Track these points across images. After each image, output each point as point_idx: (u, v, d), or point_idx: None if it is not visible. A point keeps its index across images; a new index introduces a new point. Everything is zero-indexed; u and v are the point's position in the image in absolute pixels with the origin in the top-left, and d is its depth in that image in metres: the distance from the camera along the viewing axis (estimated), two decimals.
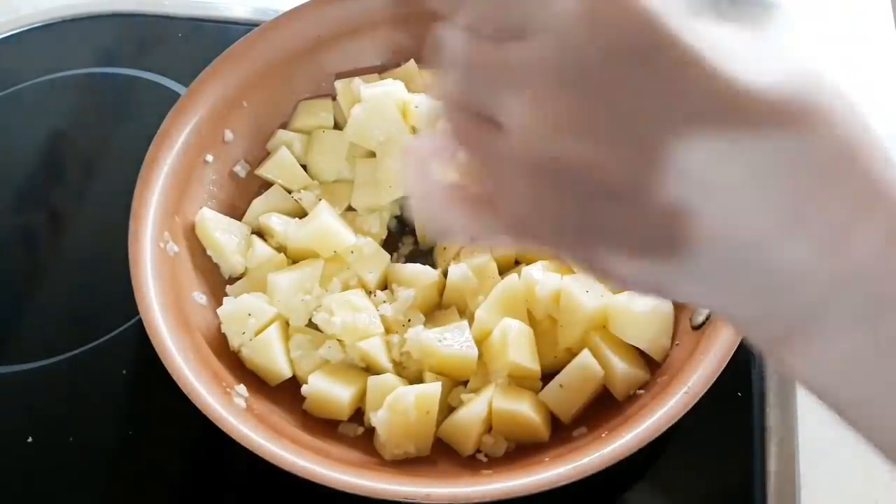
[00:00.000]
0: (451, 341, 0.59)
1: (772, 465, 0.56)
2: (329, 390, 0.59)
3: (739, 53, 0.25)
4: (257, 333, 0.61)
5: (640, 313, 0.57)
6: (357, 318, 0.60)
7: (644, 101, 0.25)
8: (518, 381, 0.59)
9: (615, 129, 0.25)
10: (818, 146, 0.25)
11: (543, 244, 0.30)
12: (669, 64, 0.25)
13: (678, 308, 0.60)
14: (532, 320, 0.60)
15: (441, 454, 0.57)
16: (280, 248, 0.67)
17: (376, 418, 0.56)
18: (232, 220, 0.67)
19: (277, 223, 0.67)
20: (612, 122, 0.25)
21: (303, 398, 0.59)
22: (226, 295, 0.64)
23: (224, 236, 0.65)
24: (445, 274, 0.64)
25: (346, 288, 0.64)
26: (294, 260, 0.66)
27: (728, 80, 0.24)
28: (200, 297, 0.63)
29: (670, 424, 0.50)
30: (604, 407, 0.57)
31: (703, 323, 0.57)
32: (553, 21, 0.26)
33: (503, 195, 0.29)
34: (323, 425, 0.59)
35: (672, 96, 0.25)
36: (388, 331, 0.62)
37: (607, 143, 0.25)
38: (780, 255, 0.26)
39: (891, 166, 0.26)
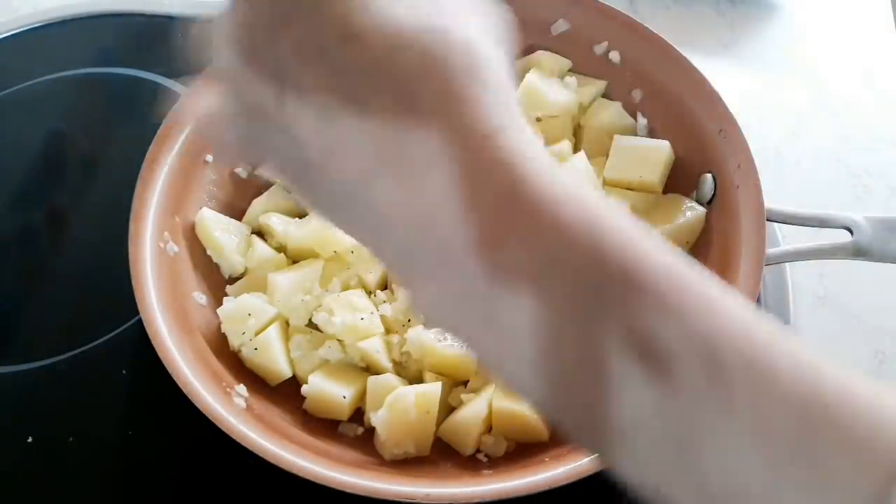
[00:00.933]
0: (452, 341, 0.59)
1: None
2: (329, 390, 0.59)
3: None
4: (257, 333, 0.61)
5: None
6: (357, 318, 0.60)
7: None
8: None
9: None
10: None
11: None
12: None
13: None
14: None
15: (441, 454, 0.57)
16: (280, 248, 0.67)
17: (376, 418, 0.56)
18: (232, 220, 0.67)
19: (277, 223, 0.67)
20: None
21: (303, 398, 0.59)
22: (226, 295, 0.64)
23: (224, 236, 0.65)
24: None
25: (346, 288, 0.64)
26: (294, 260, 0.66)
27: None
28: (200, 297, 0.63)
29: None
30: None
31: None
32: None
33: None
34: (323, 425, 0.59)
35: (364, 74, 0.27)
36: (388, 331, 0.62)
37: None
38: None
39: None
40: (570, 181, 0.27)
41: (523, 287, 0.26)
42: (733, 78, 0.79)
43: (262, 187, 0.70)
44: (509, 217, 0.26)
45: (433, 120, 0.27)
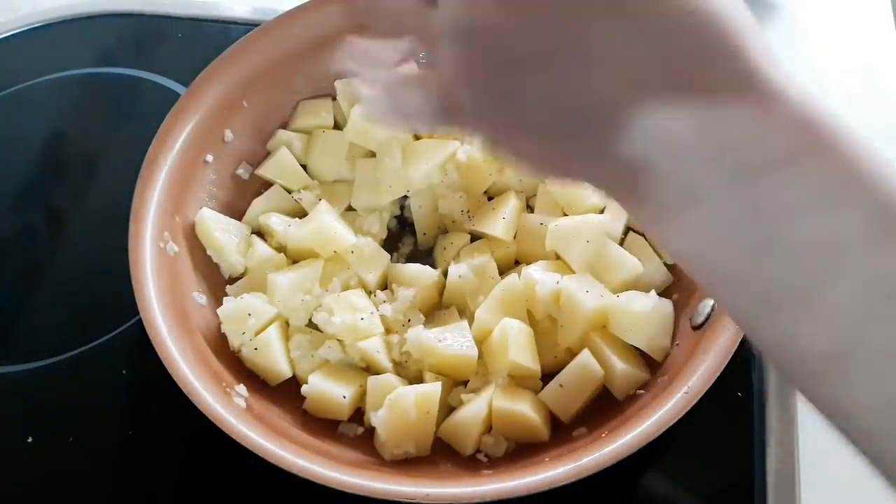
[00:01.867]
0: (451, 341, 0.59)
1: (772, 464, 0.56)
2: (329, 390, 0.59)
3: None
4: (257, 333, 0.61)
5: (640, 313, 0.57)
6: (357, 318, 0.60)
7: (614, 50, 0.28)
8: (518, 381, 0.59)
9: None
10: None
11: (466, 122, 0.33)
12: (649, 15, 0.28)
13: (678, 308, 0.60)
14: (532, 320, 0.61)
15: (441, 454, 0.57)
16: (280, 248, 0.67)
17: (376, 418, 0.56)
18: (232, 220, 0.67)
19: (277, 223, 0.67)
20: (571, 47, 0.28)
21: (303, 398, 0.59)
22: (226, 295, 0.64)
23: (224, 236, 0.65)
24: (445, 274, 0.64)
25: (346, 288, 0.64)
26: (294, 260, 0.66)
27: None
28: (200, 297, 0.63)
29: (670, 424, 0.50)
30: (604, 407, 0.57)
31: (704, 323, 0.57)
32: None
33: (433, 62, 0.32)
34: (323, 425, 0.59)
35: (642, 58, 0.28)
36: (388, 331, 0.62)
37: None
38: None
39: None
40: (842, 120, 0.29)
41: None
42: None
43: (262, 187, 0.71)
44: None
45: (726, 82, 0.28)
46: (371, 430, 0.58)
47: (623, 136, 0.29)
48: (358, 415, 0.60)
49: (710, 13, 0.28)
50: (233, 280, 0.66)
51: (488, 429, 0.57)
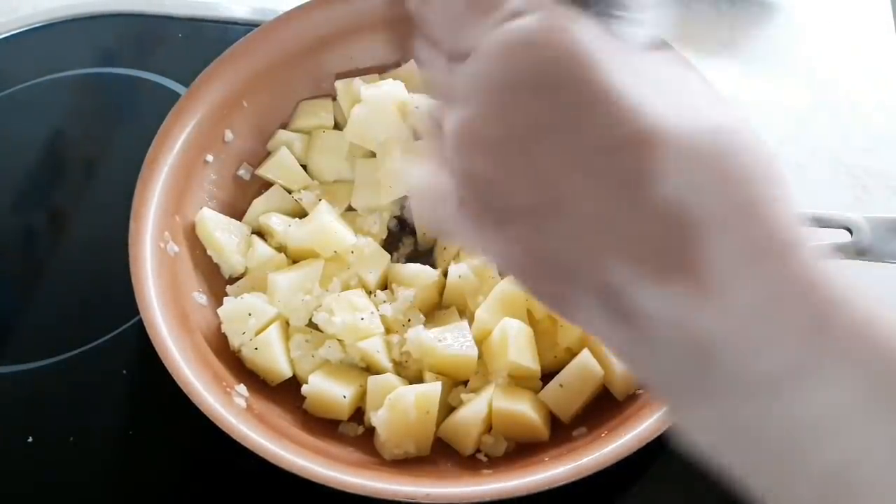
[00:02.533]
0: (451, 341, 0.59)
1: None
2: (329, 390, 0.59)
3: (661, 91, 0.27)
4: (257, 333, 0.61)
5: None
6: (357, 318, 0.60)
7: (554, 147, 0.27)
8: (518, 380, 0.59)
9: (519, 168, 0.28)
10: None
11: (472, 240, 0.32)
12: (579, 99, 0.26)
13: None
14: (532, 320, 0.61)
15: (441, 454, 0.57)
16: (280, 248, 0.67)
17: (376, 418, 0.56)
18: (232, 219, 0.67)
19: (277, 223, 0.67)
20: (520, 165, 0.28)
21: (303, 398, 0.59)
22: (226, 295, 0.64)
23: (224, 236, 0.65)
24: (445, 274, 0.64)
25: (346, 288, 0.64)
26: (294, 260, 0.66)
27: (637, 117, 0.26)
28: (200, 297, 0.63)
29: (670, 424, 0.50)
30: (604, 407, 0.57)
31: None
32: (482, 48, 0.29)
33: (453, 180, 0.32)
34: (323, 425, 0.59)
35: (583, 138, 0.26)
36: (388, 331, 0.62)
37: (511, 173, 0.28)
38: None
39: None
40: (876, 305, 0.26)
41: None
42: (733, 78, 0.79)
43: (262, 187, 0.71)
44: (824, 344, 0.25)
45: (728, 228, 0.26)
46: (371, 430, 0.58)
47: (605, 296, 0.27)
48: (358, 415, 0.60)
49: (676, 202, 0.25)
50: (233, 280, 0.66)
51: (488, 429, 0.57)
